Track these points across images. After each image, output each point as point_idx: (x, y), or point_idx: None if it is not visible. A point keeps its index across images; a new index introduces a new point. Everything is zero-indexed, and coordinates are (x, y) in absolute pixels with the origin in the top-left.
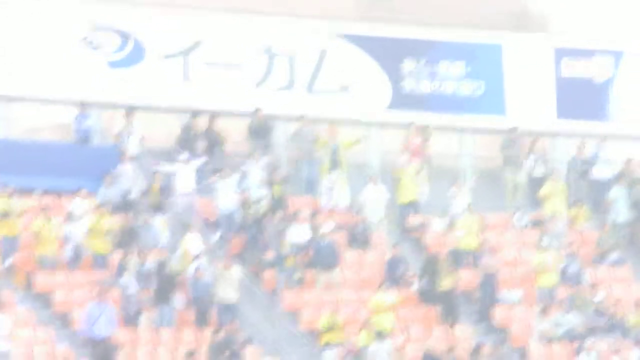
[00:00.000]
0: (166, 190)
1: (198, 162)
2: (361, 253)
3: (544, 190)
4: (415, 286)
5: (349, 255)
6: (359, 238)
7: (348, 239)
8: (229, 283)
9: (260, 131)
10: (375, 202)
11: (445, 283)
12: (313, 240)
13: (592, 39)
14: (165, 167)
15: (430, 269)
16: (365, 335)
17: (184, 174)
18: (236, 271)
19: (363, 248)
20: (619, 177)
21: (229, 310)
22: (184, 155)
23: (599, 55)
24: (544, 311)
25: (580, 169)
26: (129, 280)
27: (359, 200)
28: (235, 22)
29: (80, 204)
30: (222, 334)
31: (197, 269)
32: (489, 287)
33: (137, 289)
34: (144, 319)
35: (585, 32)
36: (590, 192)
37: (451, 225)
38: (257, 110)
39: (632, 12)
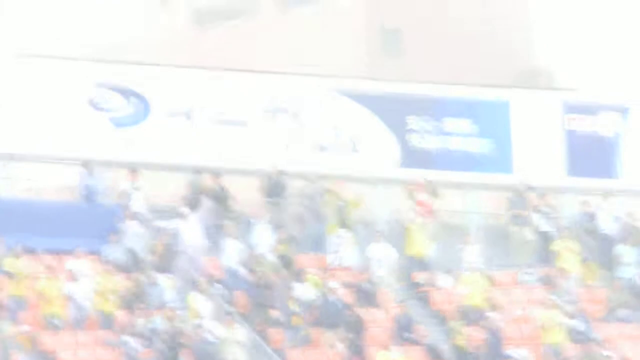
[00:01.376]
0: (172, 248)
1: (197, 215)
2: (368, 310)
3: (555, 247)
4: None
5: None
6: (366, 296)
7: (355, 297)
8: (235, 342)
9: (274, 189)
10: (382, 259)
11: (459, 341)
12: (321, 298)
13: (600, 94)
14: (163, 224)
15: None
16: None
17: (188, 230)
18: (239, 330)
19: (370, 306)
20: (623, 234)
21: None
22: (185, 210)
23: (606, 111)
24: None
25: (588, 225)
26: (134, 340)
27: (369, 258)
28: (239, 80)
29: (80, 263)
30: None
31: (199, 328)
32: (494, 344)
33: (142, 349)
34: None
35: (592, 88)
36: (598, 249)
37: (458, 282)
38: (273, 167)
39: (637, 68)
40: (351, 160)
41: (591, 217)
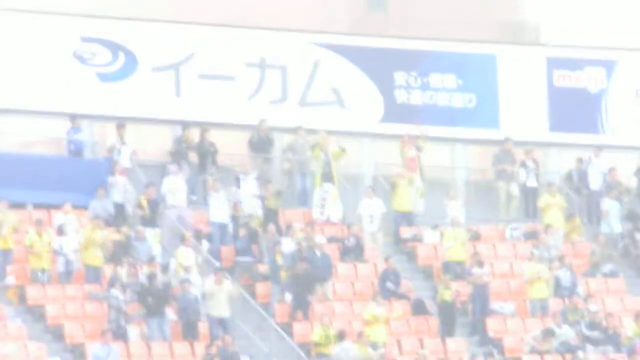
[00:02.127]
0: (158, 203)
1: (184, 170)
2: (354, 266)
3: (541, 202)
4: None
5: (342, 268)
6: (351, 251)
7: (341, 252)
8: (221, 297)
9: (261, 144)
10: (370, 214)
11: (446, 295)
12: (306, 253)
13: (585, 49)
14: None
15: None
16: (358, 347)
17: (175, 185)
18: (227, 286)
19: (356, 261)
20: (608, 189)
21: (221, 324)
22: (174, 167)
23: (592, 66)
24: (537, 322)
25: (576, 181)
26: (120, 293)
27: (355, 213)
28: (227, 35)
29: (69, 218)
30: (214, 348)
31: (184, 283)
32: (481, 299)
33: (129, 303)
34: (134, 333)
35: (578, 43)
36: (583, 204)
37: (443, 237)
38: (261, 122)
39: (624, 23)
40: (337, 115)
41: (581, 172)
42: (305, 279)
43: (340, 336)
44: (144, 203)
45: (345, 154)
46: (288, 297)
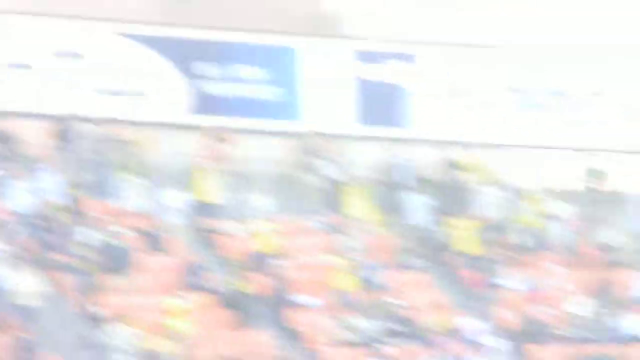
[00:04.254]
0: None
1: None
2: (157, 257)
3: (344, 194)
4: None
5: (143, 260)
6: (154, 242)
7: (143, 243)
8: (25, 286)
9: (63, 133)
10: (172, 205)
11: (242, 287)
12: (106, 243)
13: (388, 42)
14: None
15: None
16: (160, 339)
17: None
18: (30, 275)
19: (158, 252)
20: (413, 182)
21: (25, 313)
22: None
23: (394, 59)
24: (339, 315)
25: (380, 173)
26: None
27: (158, 204)
28: (29, 23)
29: None
30: (16, 338)
31: None
32: (281, 290)
33: None
34: None
35: (382, 35)
36: (386, 196)
37: (245, 229)
38: (63, 111)
39: (423, 17)
40: (141, 105)
41: (386, 165)
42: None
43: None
44: None
45: (149, 145)
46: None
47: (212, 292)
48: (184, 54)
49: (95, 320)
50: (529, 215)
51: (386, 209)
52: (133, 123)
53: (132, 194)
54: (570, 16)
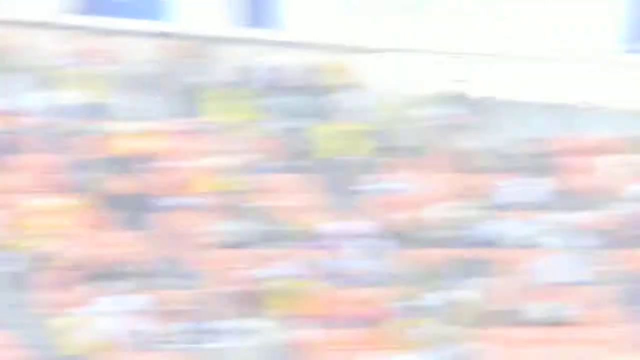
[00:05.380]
0: None
1: None
2: (22, 157)
3: (214, 98)
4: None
5: (9, 160)
6: (18, 141)
7: (7, 143)
8: None
9: None
10: (41, 105)
11: (112, 187)
12: None
13: None
14: None
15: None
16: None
17: None
18: None
19: (23, 152)
20: (280, 86)
21: None
22: None
23: None
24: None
25: (249, 76)
26: None
27: (24, 104)
28: None
29: None
30: None
31: None
32: (152, 192)
33: None
34: None
35: None
36: (256, 101)
37: (117, 130)
38: None
39: None
40: (14, 3)
41: (254, 68)
42: None
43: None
44: None
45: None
46: None
47: (80, 192)
48: None
49: None
50: (396, 119)
51: (256, 112)
52: (3, 22)
53: None
54: None
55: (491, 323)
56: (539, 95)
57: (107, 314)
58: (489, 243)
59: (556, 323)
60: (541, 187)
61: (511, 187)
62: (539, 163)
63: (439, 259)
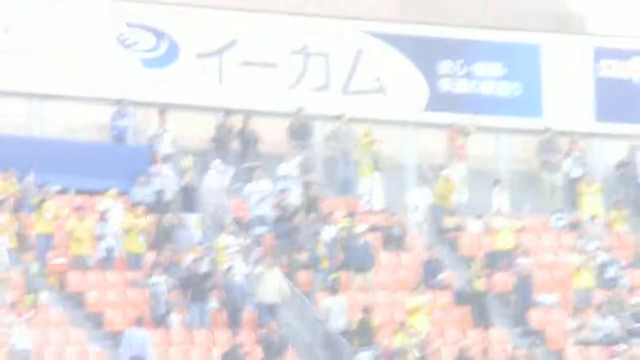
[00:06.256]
0: (197, 189)
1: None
2: (397, 255)
3: (585, 192)
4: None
5: (385, 257)
6: (394, 240)
7: (383, 241)
8: (271, 284)
9: (300, 131)
10: (416, 204)
11: (478, 285)
12: (348, 241)
13: (631, 39)
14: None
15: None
16: (400, 337)
17: (219, 183)
18: (277, 272)
19: (398, 250)
20: None
21: (270, 311)
22: (219, 165)
23: (639, 56)
24: (580, 315)
25: (625, 170)
26: (162, 280)
27: (401, 202)
28: (270, 22)
29: (112, 204)
30: (262, 335)
31: (229, 269)
32: (524, 289)
33: (171, 290)
34: (175, 320)
35: (625, 33)
36: (630, 195)
37: (487, 227)
38: (299, 110)
39: None
40: (380, 103)
41: (632, 163)
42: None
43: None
44: (186, 189)
45: (380, 143)
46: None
47: (451, 289)
48: (422, 52)
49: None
50: None
51: (627, 206)
52: (373, 121)
53: (374, 192)
54: None
55: None
56: None
57: None
58: None
59: None
60: None
61: None
62: None
63: None
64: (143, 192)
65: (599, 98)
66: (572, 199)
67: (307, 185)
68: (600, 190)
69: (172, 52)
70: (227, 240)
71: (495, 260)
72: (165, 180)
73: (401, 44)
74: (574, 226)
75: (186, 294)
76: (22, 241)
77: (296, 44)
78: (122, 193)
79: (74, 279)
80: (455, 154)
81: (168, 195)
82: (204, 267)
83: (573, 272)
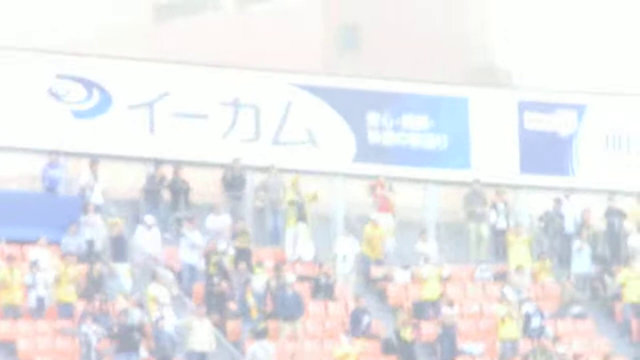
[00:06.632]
0: (125, 240)
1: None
2: (325, 304)
3: (510, 243)
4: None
5: (313, 307)
6: (323, 289)
7: (312, 290)
8: (202, 332)
9: (234, 182)
10: (344, 254)
11: (405, 334)
12: (277, 290)
13: (556, 93)
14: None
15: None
16: None
17: (148, 237)
18: (207, 322)
19: (327, 299)
20: (579, 231)
21: (202, 359)
22: (150, 219)
23: (563, 109)
24: None
25: (554, 222)
26: (92, 329)
27: (330, 252)
28: (201, 74)
29: (43, 253)
30: None
31: (160, 319)
32: (449, 339)
33: (101, 339)
34: None
35: (549, 86)
36: (554, 246)
37: (414, 277)
38: (235, 160)
39: (595, 67)
40: (309, 154)
41: (556, 214)
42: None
43: None
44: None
45: (316, 200)
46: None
47: (378, 339)
48: (351, 104)
49: None
50: None
51: (552, 258)
52: (302, 172)
53: (301, 242)
54: None
55: None
56: None
57: None
58: None
59: None
60: None
61: None
62: None
63: None
64: (74, 242)
65: (523, 150)
66: (498, 249)
67: (236, 235)
68: (528, 242)
69: (104, 103)
70: (157, 290)
71: (422, 309)
72: (96, 230)
73: (329, 97)
74: (499, 276)
75: (116, 344)
76: None
77: (227, 96)
78: (53, 242)
79: (5, 328)
80: (377, 204)
81: (98, 245)
82: (133, 318)
83: (498, 322)
